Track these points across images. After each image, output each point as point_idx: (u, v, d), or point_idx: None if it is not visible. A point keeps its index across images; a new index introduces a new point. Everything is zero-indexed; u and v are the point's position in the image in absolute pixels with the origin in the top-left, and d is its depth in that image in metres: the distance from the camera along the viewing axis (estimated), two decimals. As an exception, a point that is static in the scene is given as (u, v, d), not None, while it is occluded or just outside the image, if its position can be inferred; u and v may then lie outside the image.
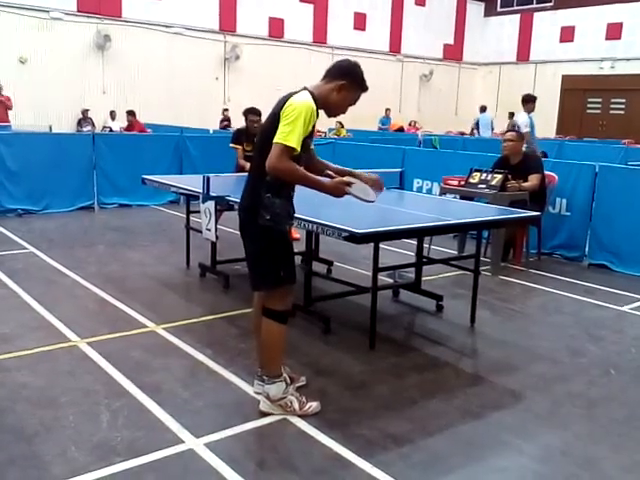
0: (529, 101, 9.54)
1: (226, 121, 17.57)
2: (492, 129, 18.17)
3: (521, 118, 9.52)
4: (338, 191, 3.13)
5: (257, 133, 3.22)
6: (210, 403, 3.37)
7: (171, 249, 6.78)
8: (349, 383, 3.70)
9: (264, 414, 3.23)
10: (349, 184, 3.14)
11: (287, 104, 2.93)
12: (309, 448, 2.97)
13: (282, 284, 3.09)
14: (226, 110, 18.15)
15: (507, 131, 7.33)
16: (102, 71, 17.40)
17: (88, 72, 17.17)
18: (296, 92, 3.03)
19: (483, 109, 19.16)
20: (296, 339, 4.16)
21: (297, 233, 6.25)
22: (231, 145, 7.33)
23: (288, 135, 2.87)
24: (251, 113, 7.19)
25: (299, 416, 3.19)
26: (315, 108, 2.99)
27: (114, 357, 3.89)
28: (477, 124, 18.41)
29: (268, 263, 3.08)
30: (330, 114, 3.16)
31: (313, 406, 3.23)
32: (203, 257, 5.91)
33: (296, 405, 3.18)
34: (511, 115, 18.41)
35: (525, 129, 9.14)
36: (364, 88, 3.14)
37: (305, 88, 3.07)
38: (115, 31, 17.26)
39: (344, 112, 3.20)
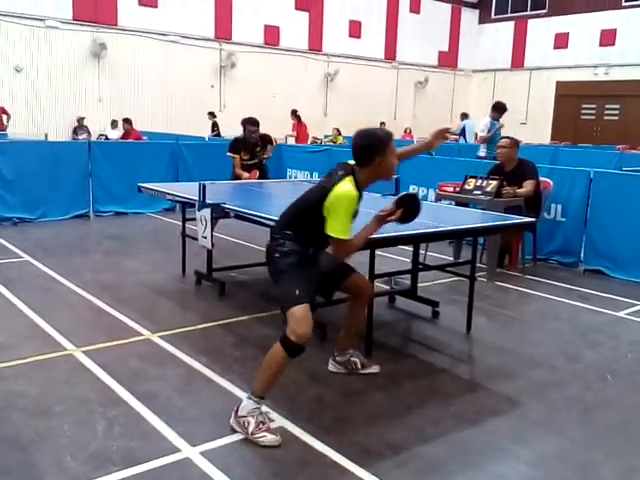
0: (496, 109, 9.61)
1: (215, 129, 17.02)
2: (476, 136, 18.04)
3: (482, 122, 9.68)
4: (380, 225, 3.40)
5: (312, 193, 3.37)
6: (206, 411, 3.36)
7: (167, 257, 6.77)
8: (345, 390, 3.70)
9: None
10: (390, 215, 3.36)
11: (331, 197, 3.13)
12: (305, 456, 2.97)
13: (299, 302, 3.16)
14: (212, 114, 17.58)
15: (502, 138, 7.34)
16: (98, 79, 17.43)
17: (84, 80, 17.21)
18: (341, 177, 3.18)
19: (466, 116, 19.15)
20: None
21: None
22: (228, 154, 7.25)
23: (342, 229, 3.14)
24: (249, 123, 7.15)
25: (250, 440, 3.04)
26: (357, 195, 3.19)
27: (110, 366, 3.88)
28: (463, 131, 18.29)
29: (285, 284, 3.26)
30: (387, 180, 3.43)
31: (267, 437, 3.03)
32: (199, 265, 5.90)
33: (251, 428, 3.05)
34: (463, 116, 18.52)
35: (481, 134, 9.54)
36: (391, 139, 3.28)
37: (352, 172, 3.22)
38: (111, 39, 17.31)
39: (395, 170, 3.39)
